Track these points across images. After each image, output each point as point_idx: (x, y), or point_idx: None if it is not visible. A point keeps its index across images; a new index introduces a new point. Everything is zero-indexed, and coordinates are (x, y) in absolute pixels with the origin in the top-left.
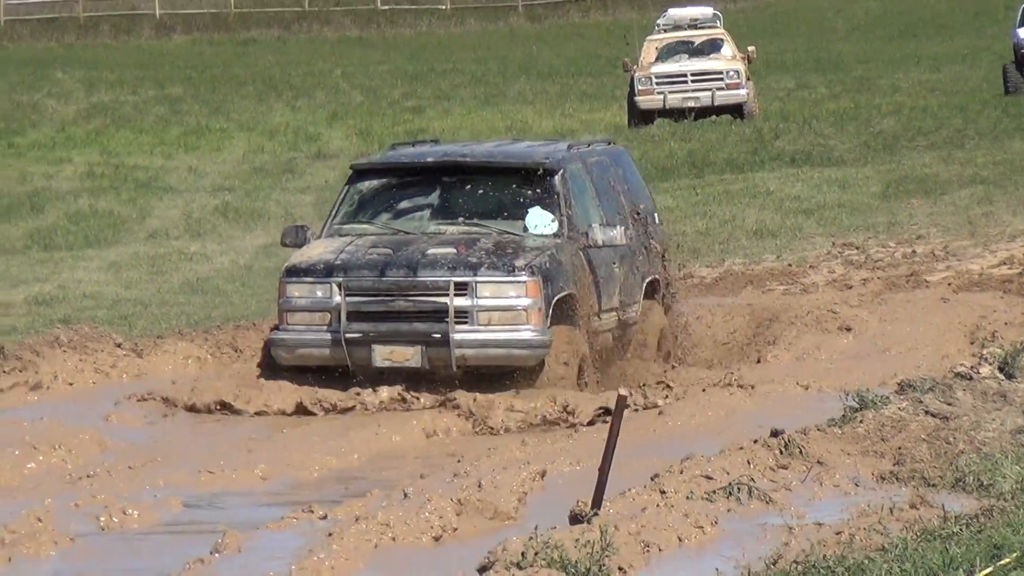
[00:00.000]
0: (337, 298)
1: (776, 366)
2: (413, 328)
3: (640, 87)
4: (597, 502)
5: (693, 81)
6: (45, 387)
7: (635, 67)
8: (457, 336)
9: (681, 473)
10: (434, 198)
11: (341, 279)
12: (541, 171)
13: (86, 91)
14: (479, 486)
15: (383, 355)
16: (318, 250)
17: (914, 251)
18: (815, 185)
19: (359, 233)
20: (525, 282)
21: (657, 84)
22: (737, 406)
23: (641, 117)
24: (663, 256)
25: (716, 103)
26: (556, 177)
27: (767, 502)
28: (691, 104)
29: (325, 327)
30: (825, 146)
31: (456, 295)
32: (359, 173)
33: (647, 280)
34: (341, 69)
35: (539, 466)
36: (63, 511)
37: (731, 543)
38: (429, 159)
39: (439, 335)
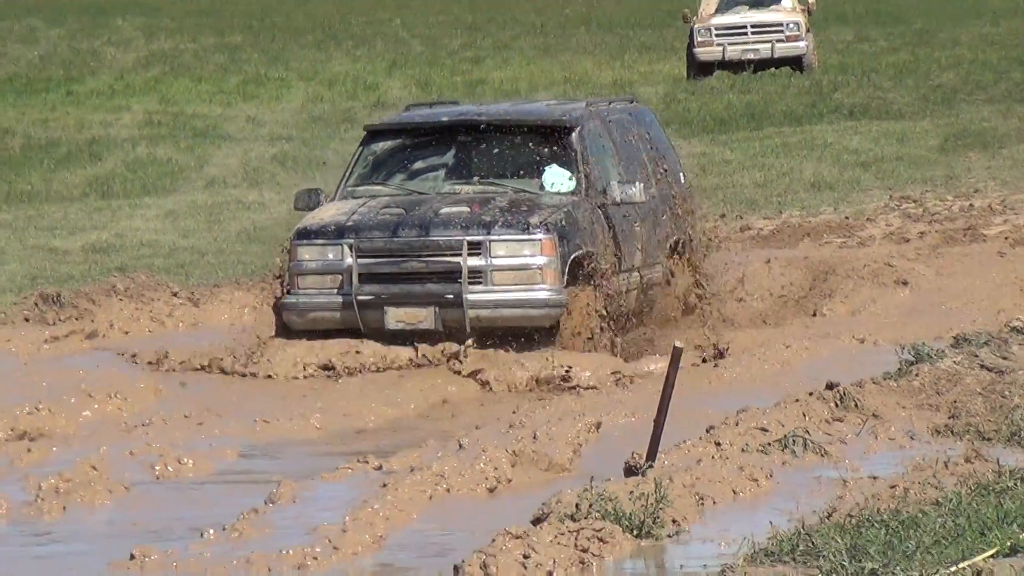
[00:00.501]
0: (348, 260)
1: (832, 319)
2: (426, 289)
3: (700, 39)
4: (652, 454)
5: (753, 33)
6: (101, 335)
7: (695, 19)
8: (471, 297)
9: (736, 425)
10: (449, 158)
11: (352, 240)
12: (558, 128)
13: (146, 39)
14: (534, 437)
15: (396, 317)
16: (329, 212)
17: (971, 205)
18: (873, 138)
19: (373, 195)
20: (540, 240)
21: (717, 36)
22: (792, 359)
23: (700, 69)
24: (690, 216)
25: (775, 55)
26: (573, 134)
27: (822, 455)
28: (750, 56)
29: (336, 290)
30: (884, 99)
31: (469, 254)
32: (373, 134)
33: (671, 240)
34: (401, 19)
35: (594, 417)
36: (118, 460)
37: (785, 496)
38: (444, 118)
39: (452, 296)
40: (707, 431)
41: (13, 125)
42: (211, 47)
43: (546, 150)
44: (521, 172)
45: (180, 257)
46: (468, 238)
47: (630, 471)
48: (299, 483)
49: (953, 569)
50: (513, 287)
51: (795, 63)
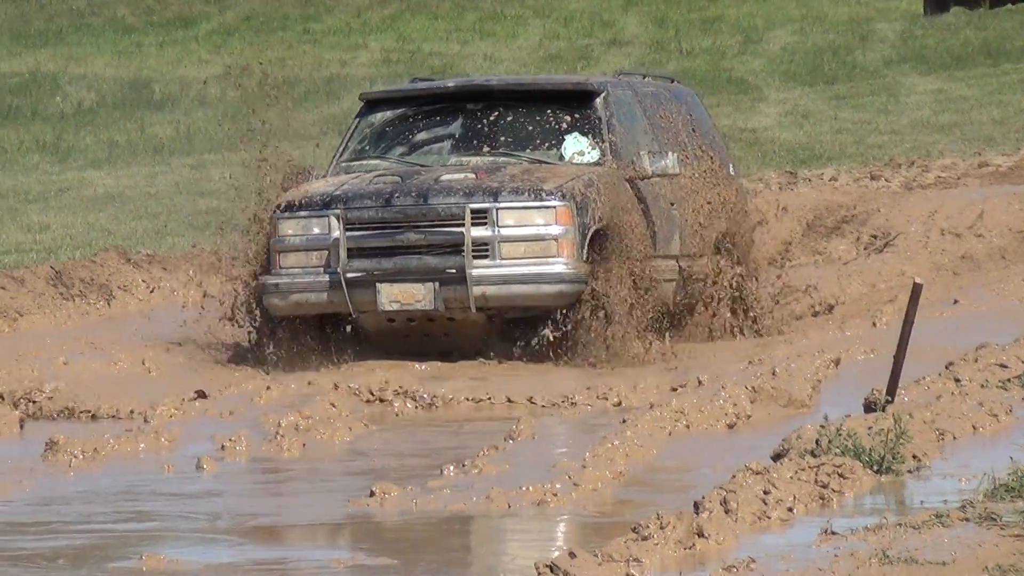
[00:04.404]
0: (336, 233)
1: None
2: (424, 263)
3: None
4: (891, 390)
5: None
6: None
7: None
8: (475, 272)
9: (976, 361)
10: (456, 128)
11: (340, 210)
12: (580, 93)
13: None
14: (773, 374)
15: (390, 296)
16: (318, 185)
17: None
18: None
19: (369, 170)
20: (555, 207)
21: None
22: None
23: (936, 5)
24: (740, 212)
25: None
26: (598, 99)
27: None
28: None
29: (322, 268)
30: None
31: (474, 224)
32: (371, 104)
33: (716, 232)
34: None
35: (833, 354)
36: (357, 397)
37: None
38: (450, 85)
39: (454, 270)
40: (946, 367)
41: (250, 64)
42: None
43: (566, 118)
44: (538, 142)
45: None
46: (472, 205)
47: (869, 407)
48: (538, 419)
49: None
50: (524, 260)
51: None
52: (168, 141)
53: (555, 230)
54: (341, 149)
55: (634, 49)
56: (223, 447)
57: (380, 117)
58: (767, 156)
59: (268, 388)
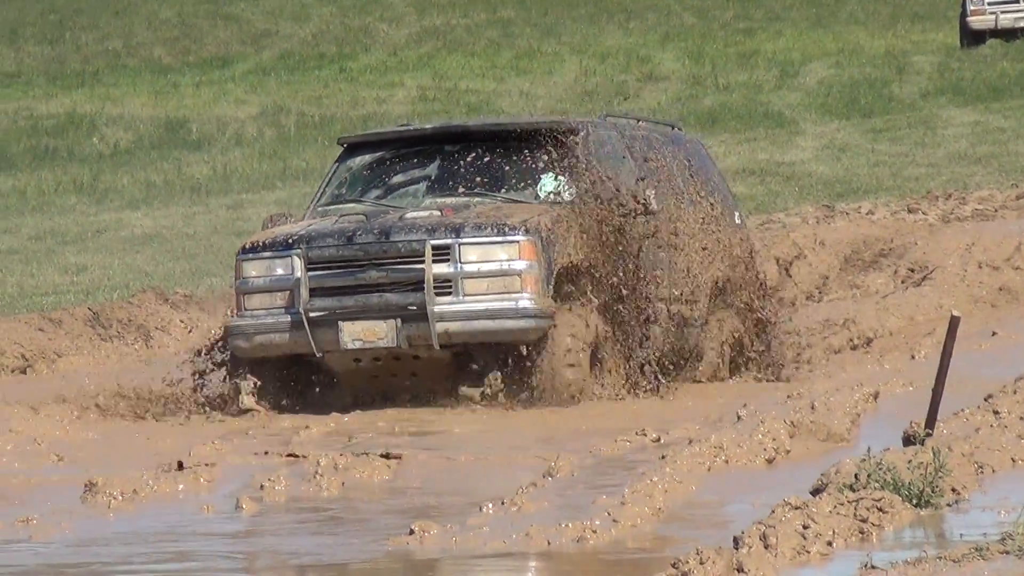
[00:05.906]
0: (298, 273)
1: None
2: (385, 300)
3: (972, 7)
4: (930, 423)
5: None
6: None
7: None
8: (438, 308)
9: (1015, 393)
10: (432, 170)
11: (302, 249)
12: (558, 132)
13: (418, 14)
14: (812, 408)
15: (352, 334)
16: (286, 227)
17: None
18: None
19: (344, 213)
20: (518, 242)
21: (989, 4)
22: None
23: (973, 38)
24: (745, 262)
25: None
26: (575, 139)
27: None
28: (1023, 24)
29: (285, 308)
30: None
31: (436, 261)
32: (351, 148)
33: (714, 279)
34: None
35: (872, 388)
36: (397, 435)
37: None
38: (428, 127)
39: (415, 307)
40: (985, 399)
41: (287, 103)
42: (483, 22)
43: (544, 158)
44: (514, 182)
45: None
46: (433, 241)
47: (908, 440)
48: (576, 456)
49: None
50: (487, 296)
51: None
52: (205, 181)
53: (519, 265)
54: (319, 194)
55: (671, 84)
56: (262, 487)
57: (359, 161)
58: (804, 190)
59: (307, 427)
